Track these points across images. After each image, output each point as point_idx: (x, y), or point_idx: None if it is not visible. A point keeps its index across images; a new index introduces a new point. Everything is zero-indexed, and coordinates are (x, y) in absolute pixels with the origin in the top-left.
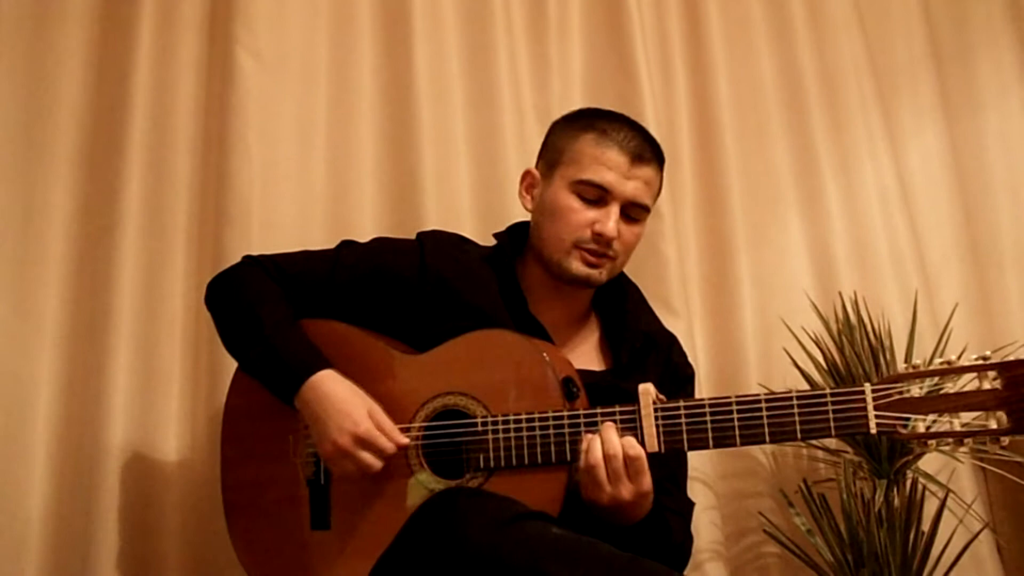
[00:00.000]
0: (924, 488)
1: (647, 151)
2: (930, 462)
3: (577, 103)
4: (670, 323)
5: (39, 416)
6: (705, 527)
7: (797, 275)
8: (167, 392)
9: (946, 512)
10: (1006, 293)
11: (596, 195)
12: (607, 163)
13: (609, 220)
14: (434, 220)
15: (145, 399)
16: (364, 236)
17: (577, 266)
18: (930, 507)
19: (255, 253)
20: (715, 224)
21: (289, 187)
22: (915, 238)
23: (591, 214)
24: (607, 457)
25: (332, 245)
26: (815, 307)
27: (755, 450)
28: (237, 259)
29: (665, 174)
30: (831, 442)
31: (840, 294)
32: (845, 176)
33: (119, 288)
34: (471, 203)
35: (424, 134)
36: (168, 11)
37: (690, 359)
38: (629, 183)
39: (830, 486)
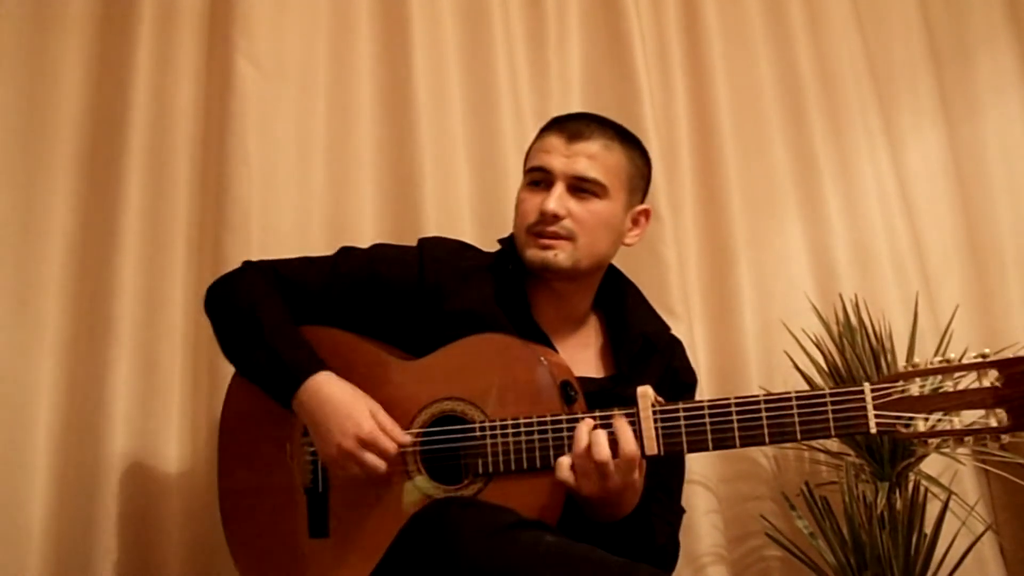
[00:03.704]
0: (926, 490)
1: (587, 128)
2: (932, 464)
3: (576, 108)
4: (671, 326)
5: (40, 423)
6: (707, 531)
7: (797, 277)
8: (167, 399)
9: (948, 514)
10: (1007, 294)
11: (541, 178)
12: (546, 147)
13: (551, 198)
14: (433, 226)
15: (146, 406)
16: (364, 242)
17: (532, 252)
18: (932, 509)
19: (255, 259)
20: (715, 227)
21: (289, 193)
22: (915, 240)
23: (539, 199)
24: (584, 454)
25: (332, 251)
26: (816, 309)
27: (757, 453)
28: (237, 265)
29: (665, 177)
30: (833, 444)
31: (841, 296)
32: (844, 178)
33: (119, 295)
34: (471, 209)
35: (423, 140)
36: (167, 18)
37: (691, 362)
38: (569, 160)
39: (832, 489)
